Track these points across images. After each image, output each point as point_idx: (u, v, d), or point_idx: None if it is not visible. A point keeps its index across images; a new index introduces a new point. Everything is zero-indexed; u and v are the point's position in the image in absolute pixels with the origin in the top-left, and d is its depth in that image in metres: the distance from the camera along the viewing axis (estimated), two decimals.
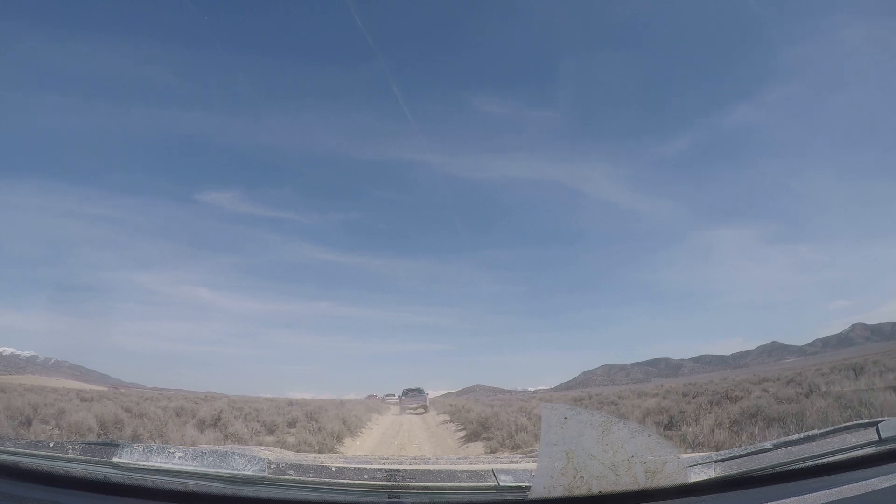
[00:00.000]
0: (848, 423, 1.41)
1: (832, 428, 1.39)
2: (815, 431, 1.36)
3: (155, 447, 1.19)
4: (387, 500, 1.11)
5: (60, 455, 1.18)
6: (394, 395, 41.87)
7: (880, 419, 1.32)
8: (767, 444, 1.31)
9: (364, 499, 1.13)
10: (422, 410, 26.08)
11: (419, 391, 28.58)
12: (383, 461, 1.70)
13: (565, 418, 1.12)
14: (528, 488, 1.11)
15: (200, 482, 1.09)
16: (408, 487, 1.14)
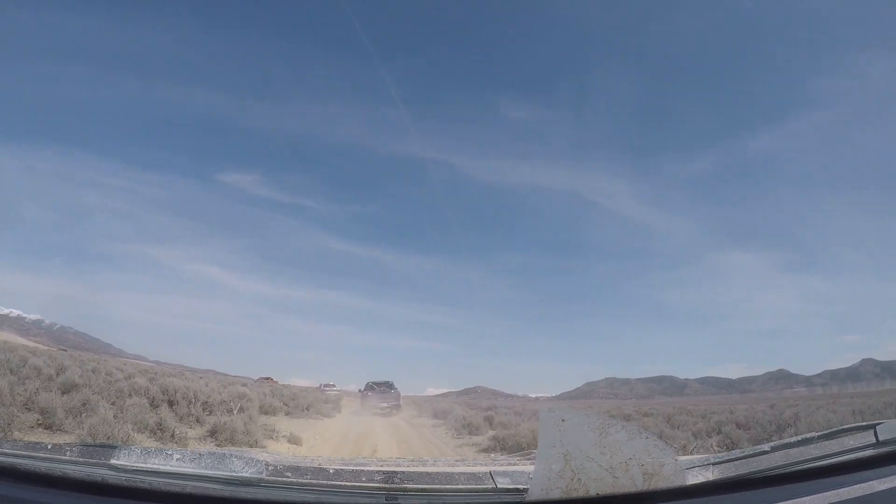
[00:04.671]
0: (846, 426, 1.41)
1: (830, 430, 1.39)
2: (813, 434, 1.37)
3: (153, 449, 1.19)
4: (384, 501, 1.11)
5: (58, 457, 1.18)
6: (334, 385, 32.69)
7: (878, 422, 1.32)
8: (765, 447, 1.32)
9: (361, 500, 1.13)
10: (389, 411, 20.74)
11: (389, 385, 22.86)
12: (381, 463, 1.70)
13: (563, 420, 1.12)
14: (525, 490, 1.11)
15: (198, 484, 1.09)
16: (405, 489, 1.14)
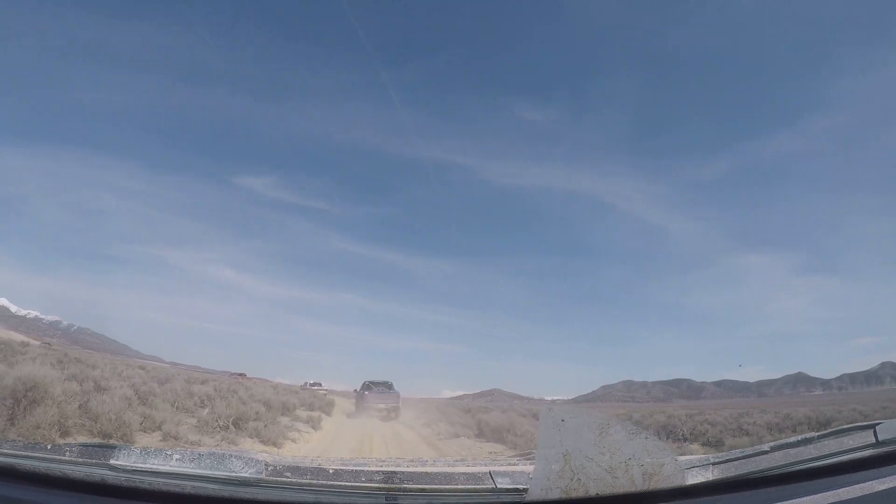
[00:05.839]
0: (845, 426, 1.41)
1: (830, 430, 1.39)
2: (813, 434, 1.36)
3: (152, 449, 1.19)
4: (384, 502, 1.11)
5: (58, 457, 1.18)
6: (320, 384, 32.22)
7: (878, 421, 1.32)
8: (765, 447, 1.31)
9: (361, 501, 1.13)
10: (387, 413, 18.85)
11: (388, 385, 20.83)
12: (381, 463, 1.70)
13: (563, 420, 1.12)
14: (525, 490, 1.11)
15: (197, 484, 1.09)
16: (405, 489, 1.14)
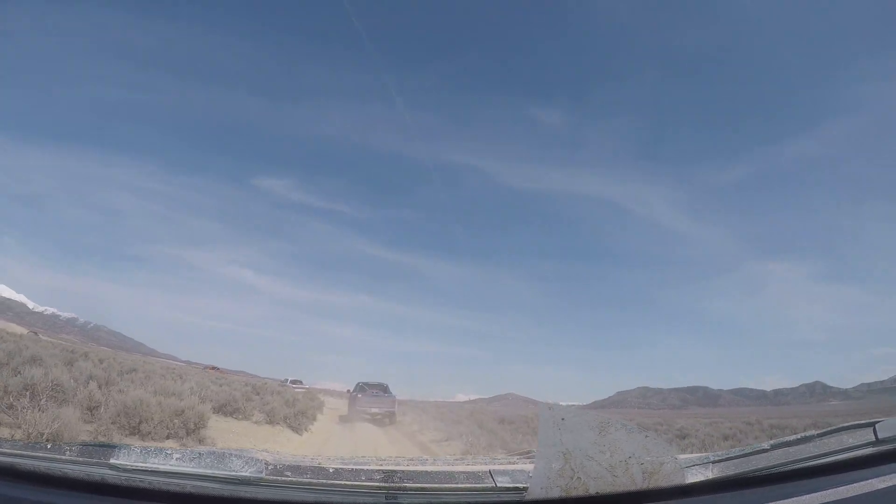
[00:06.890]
0: (845, 424, 1.41)
1: (830, 429, 1.39)
2: (813, 432, 1.37)
3: (153, 449, 1.19)
4: (384, 500, 1.11)
5: (58, 456, 1.18)
6: (301, 382, 30.62)
7: (877, 420, 1.32)
8: (765, 445, 1.32)
9: (361, 500, 1.13)
10: (381, 419, 17.34)
11: (383, 388, 19.29)
12: (380, 462, 1.70)
13: (563, 419, 1.12)
14: (525, 489, 1.11)
15: (198, 483, 1.09)
16: (405, 488, 1.14)
